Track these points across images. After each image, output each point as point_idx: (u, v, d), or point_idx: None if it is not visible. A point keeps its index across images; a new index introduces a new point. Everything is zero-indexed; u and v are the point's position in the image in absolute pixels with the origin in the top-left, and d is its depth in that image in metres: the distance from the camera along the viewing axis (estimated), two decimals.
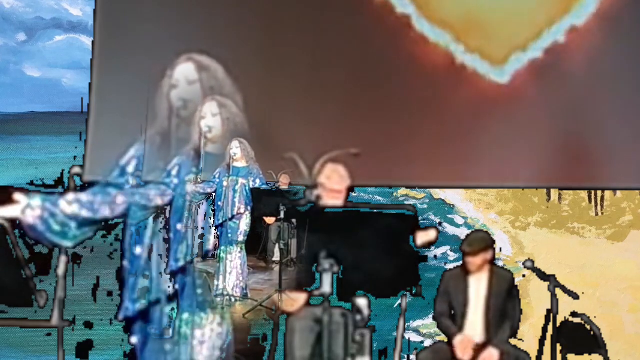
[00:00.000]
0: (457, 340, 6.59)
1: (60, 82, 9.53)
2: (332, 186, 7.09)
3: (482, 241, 6.69)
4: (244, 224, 8.32)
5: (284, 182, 8.58)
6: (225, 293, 8.09)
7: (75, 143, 8.73)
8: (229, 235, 8.26)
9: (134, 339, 7.03)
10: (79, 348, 8.06)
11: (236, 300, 8.08)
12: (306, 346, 6.01)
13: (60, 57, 9.64)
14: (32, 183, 8.79)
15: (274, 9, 8.86)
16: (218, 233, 8.29)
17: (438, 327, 6.78)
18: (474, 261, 6.64)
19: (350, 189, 7.23)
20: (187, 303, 7.26)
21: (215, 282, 8.13)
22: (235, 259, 8.22)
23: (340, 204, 7.00)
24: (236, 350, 7.34)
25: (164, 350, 7.19)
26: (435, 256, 8.88)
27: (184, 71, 7.45)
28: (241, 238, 8.30)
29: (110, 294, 8.47)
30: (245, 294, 8.18)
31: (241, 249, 8.27)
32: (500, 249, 9.02)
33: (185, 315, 7.27)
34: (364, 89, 8.82)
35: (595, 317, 7.03)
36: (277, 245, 8.40)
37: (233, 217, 8.26)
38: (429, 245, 6.77)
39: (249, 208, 8.28)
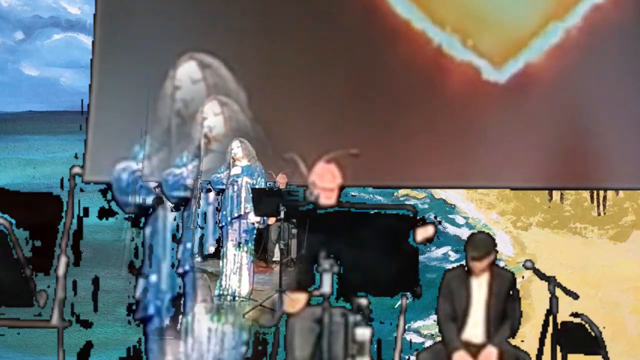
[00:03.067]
0: (456, 358, 6.57)
1: (58, 81, 9.50)
2: (324, 185, 7.11)
3: (486, 245, 6.66)
4: (250, 223, 8.32)
5: (281, 182, 8.57)
6: (226, 293, 8.07)
7: (73, 142, 8.71)
8: (234, 235, 8.26)
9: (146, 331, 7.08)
10: (80, 349, 8.05)
11: (237, 300, 8.07)
12: (306, 346, 5.99)
13: (58, 55, 9.61)
14: None
15: (274, 10, 8.85)
16: (221, 233, 8.29)
17: (440, 329, 6.74)
18: (480, 266, 6.61)
19: (342, 188, 7.24)
20: (194, 303, 7.26)
21: (217, 282, 8.12)
22: (241, 259, 8.20)
23: (333, 203, 7.01)
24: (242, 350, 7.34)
25: (172, 350, 7.20)
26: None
27: (187, 70, 7.45)
28: (247, 237, 8.29)
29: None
30: (249, 294, 8.18)
31: (247, 249, 8.26)
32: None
33: (193, 316, 7.27)
34: (365, 89, 8.80)
35: (597, 317, 7.00)
36: (277, 245, 8.38)
37: (240, 216, 8.25)
38: (427, 241, 6.76)
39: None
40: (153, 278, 7.56)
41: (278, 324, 7.58)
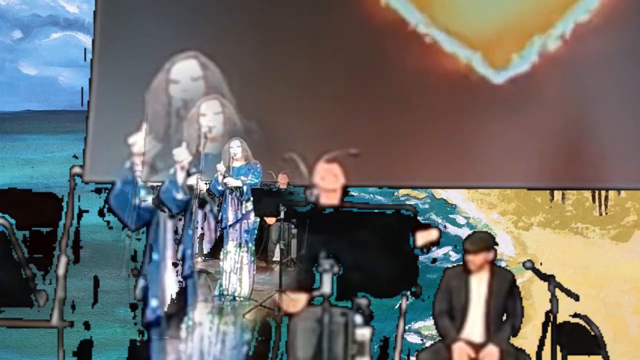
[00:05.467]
0: (456, 348, 6.56)
1: (56, 80, 9.48)
2: (327, 186, 7.11)
3: (483, 241, 6.72)
4: (251, 223, 8.32)
5: (282, 182, 8.56)
6: (226, 293, 8.06)
7: (72, 142, 8.70)
8: (235, 235, 8.25)
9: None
10: (79, 349, 8.03)
11: (238, 300, 8.06)
12: (307, 346, 5.98)
13: (56, 54, 9.59)
14: None
15: (273, 9, 8.84)
16: (222, 233, 8.28)
17: (436, 325, 6.76)
18: (475, 260, 6.65)
19: (345, 188, 7.23)
20: (195, 303, 7.26)
21: (218, 283, 8.12)
22: (241, 259, 8.20)
23: (336, 203, 7.02)
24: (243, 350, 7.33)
25: (173, 349, 7.19)
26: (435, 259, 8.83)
27: (187, 68, 7.43)
28: (247, 238, 8.29)
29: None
30: (249, 294, 8.18)
31: (248, 249, 8.26)
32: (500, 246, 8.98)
33: (195, 316, 7.26)
34: (365, 88, 8.79)
35: (598, 318, 7.00)
36: (277, 245, 8.37)
37: (243, 216, 8.26)
38: (430, 245, 6.75)
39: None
40: (152, 279, 7.54)
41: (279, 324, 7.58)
